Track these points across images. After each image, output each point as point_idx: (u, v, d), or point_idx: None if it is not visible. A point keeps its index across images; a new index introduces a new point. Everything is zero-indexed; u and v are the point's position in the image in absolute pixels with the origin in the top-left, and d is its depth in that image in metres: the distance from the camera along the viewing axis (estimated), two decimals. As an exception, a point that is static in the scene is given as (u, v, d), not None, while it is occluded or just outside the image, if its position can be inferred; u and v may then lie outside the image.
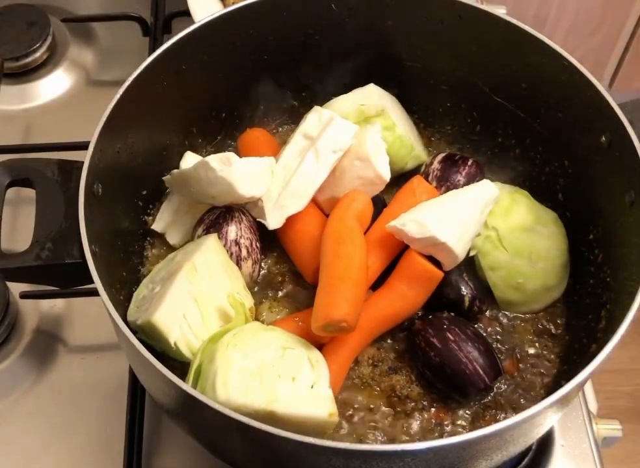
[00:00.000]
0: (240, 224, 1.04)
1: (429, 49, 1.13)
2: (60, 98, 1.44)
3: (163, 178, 1.09)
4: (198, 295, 0.95)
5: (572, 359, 1.00)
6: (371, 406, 0.98)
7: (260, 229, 1.06)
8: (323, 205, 1.07)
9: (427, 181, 1.08)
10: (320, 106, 1.11)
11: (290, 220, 1.03)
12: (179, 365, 0.93)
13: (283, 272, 1.08)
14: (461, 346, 0.95)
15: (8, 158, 0.98)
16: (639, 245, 0.90)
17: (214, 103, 1.16)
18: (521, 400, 0.99)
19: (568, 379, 0.79)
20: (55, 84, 1.46)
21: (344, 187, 1.04)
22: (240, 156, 1.01)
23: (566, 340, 1.04)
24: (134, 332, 0.85)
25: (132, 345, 0.80)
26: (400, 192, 1.06)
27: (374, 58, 1.16)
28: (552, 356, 1.03)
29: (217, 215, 1.05)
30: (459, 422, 0.97)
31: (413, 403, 0.98)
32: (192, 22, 1.06)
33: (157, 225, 1.11)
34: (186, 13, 1.38)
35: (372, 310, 0.98)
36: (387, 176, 1.05)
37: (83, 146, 0.93)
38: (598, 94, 0.96)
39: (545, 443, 1.04)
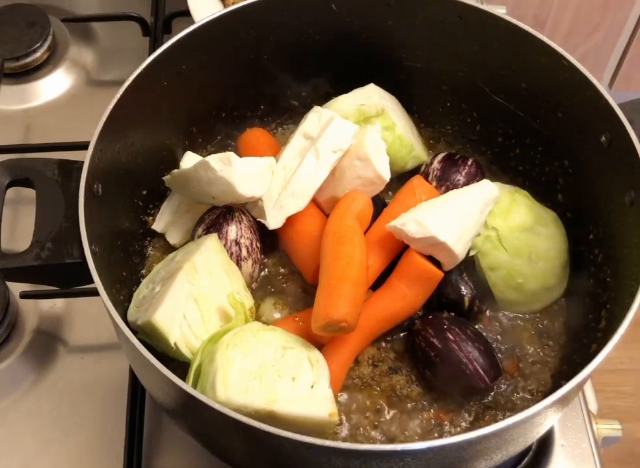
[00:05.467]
0: (240, 224, 1.04)
1: (429, 49, 1.13)
2: (60, 98, 1.44)
3: (163, 178, 1.09)
4: (198, 295, 0.95)
5: (572, 359, 1.00)
6: (371, 406, 0.98)
7: (260, 229, 1.06)
8: (323, 205, 1.07)
9: (427, 181, 1.08)
10: (320, 106, 1.11)
11: (290, 220, 1.03)
12: (179, 365, 0.93)
13: (283, 272, 1.08)
14: (461, 346, 0.95)
15: (8, 158, 0.98)
16: (639, 245, 0.90)
17: (214, 103, 1.16)
18: (521, 400, 0.99)
19: (568, 379, 0.79)
20: (55, 84, 1.46)
21: (344, 187, 1.04)
22: (240, 156, 1.01)
23: (566, 340, 1.04)
24: (134, 332, 0.85)
25: (132, 345, 0.80)
26: (400, 192, 1.06)
27: (374, 58, 1.16)
28: (552, 356, 1.03)
29: (217, 215, 1.05)
30: (459, 422, 0.97)
31: (413, 403, 0.98)
32: (192, 22, 1.06)
33: (157, 225, 1.11)
34: (186, 13, 1.39)
35: (372, 310, 0.98)
36: (387, 176, 1.05)
37: (83, 146, 0.93)
38: (597, 94, 0.96)
39: (545, 443, 1.05)
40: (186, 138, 1.15)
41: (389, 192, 1.12)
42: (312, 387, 0.89)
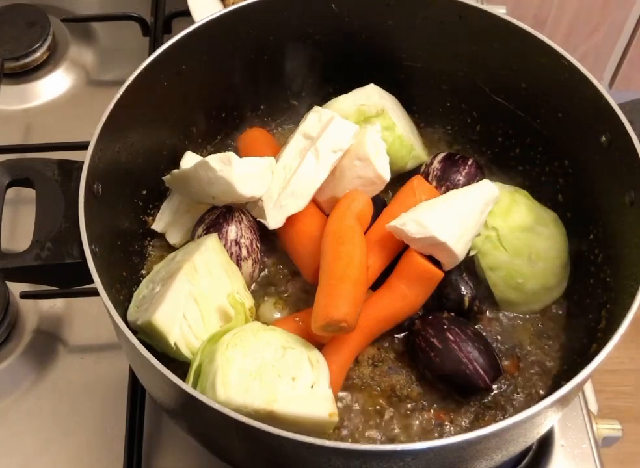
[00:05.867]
0: (240, 224, 1.04)
1: (429, 49, 1.13)
2: (60, 98, 1.44)
3: (163, 178, 1.09)
4: (198, 295, 0.95)
5: (572, 359, 1.00)
6: (371, 406, 0.98)
7: (260, 229, 1.06)
8: (323, 205, 1.07)
9: (427, 181, 1.08)
10: (320, 106, 1.11)
11: (290, 220, 1.03)
12: (179, 365, 0.93)
13: (283, 272, 1.08)
14: (461, 346, 0.95)
15: (8, 158, 0.98)
16: (639, 245, 0.90)
17: (214, 103, 1.16)
18: (521, 400, 0.99)
19: (568, 379, 0.79)
20: (55, 84, 1.46)
21: (344, 187, 1.04)
22: (240, 156, 1.01)
23: (566, 340, 1.04)
24: (134, 332, 0.85)
25: (132, 345, 0.80)
26: (400, 192, 1.06)
27: (374, 58, 1.16)
28: (552, 356, 1.03)
29: (217, 215, 1.05)
30: (459, 422, 0.97)
31: (413, 403, 0.98)
32: (192, 22, 1.06)
33: (157, 225, 1.11)
34: (186, 13, 1.38)
35: (372, 310, 0.98)
36: (387, 176, 1.05)
37: (83, 146, 0.93)
38: (597, 94, 0.96)
39: (545, 443, 1.04)
40: (186, 138, 1.15)
41: (389, 192, 1.12)
42: (312, 387, 0.89)
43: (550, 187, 1.11)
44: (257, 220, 1.05)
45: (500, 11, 1.07)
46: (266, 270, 1.09)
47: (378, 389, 0.99)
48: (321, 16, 1.11)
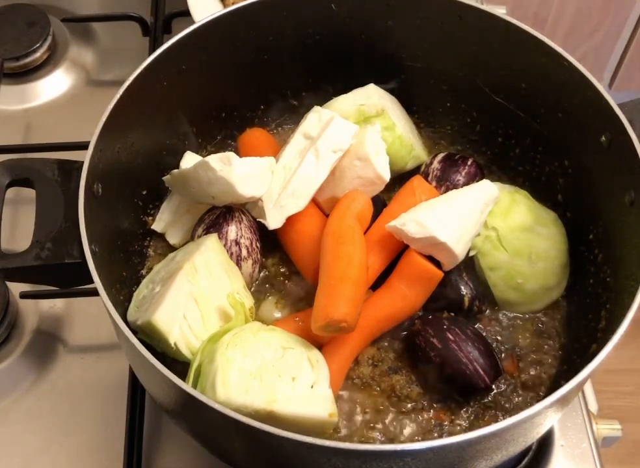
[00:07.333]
0: (240, 224, 1.04)
1: (429, 49, 1.13)
2: (60, 98, 1.45)
3: (163, 178, 1.09)
4: (198, 295, 0.95)
5: (572, 359, 1.00)
6: (371, 406, 0.98)
7: (260, 229, 1.06)
8: (323, 205, 1.07)
9: (427, 181, 1.08)
10: (320, 106, 1.11)
11: (290, 220, 1.03)
12: (179, 365, 0.93)
13: (283, 272, 1.08)
14: (461, 346, 0.95)
15: (8, 158, 0.98)
16: (639, 245, 0.90)
17: (214, 103, 1.16)
18: (521, 400, 0.99)
19: (568, 379, 0.79)
20: (55, 84, 1.46)
21: (344, 187, 1.04)
22: (240, 156, 1.01)
23: (566, 340, 1.04)
24: (134, 332, 0.85)
25: (132, 345, 0.80)
26: (400, 192, 1.06)
27: (374, 58, 1.16)
28: (552, 356, 1.03)
29: (217, 215, 1.05)
30: (459, 422, 0.97)
31: (413, 403, 0.98)
32: (192, 22, 1.06)
33: (157, 225, 1.11)
34: (186, 13, 1.39)
35: (372, 310, 0.98)
36: (387, 176, 1.05)
37: (83, 146, 0.93)
38: (597, 94, 0.97)
39: (545, 443, 1.04)
40: (186, 138, 1.15)
41: (389, 192, 1.12)
42: (312, 387, 0.89)
43: (550, 187, 1.11)
44: (257, 220, 1.05)
45: (500, 11, 1.07)
46: (266, 270, 1.09)
47: (378, 389, 0.99)
48: (321, 16, 1.11)
